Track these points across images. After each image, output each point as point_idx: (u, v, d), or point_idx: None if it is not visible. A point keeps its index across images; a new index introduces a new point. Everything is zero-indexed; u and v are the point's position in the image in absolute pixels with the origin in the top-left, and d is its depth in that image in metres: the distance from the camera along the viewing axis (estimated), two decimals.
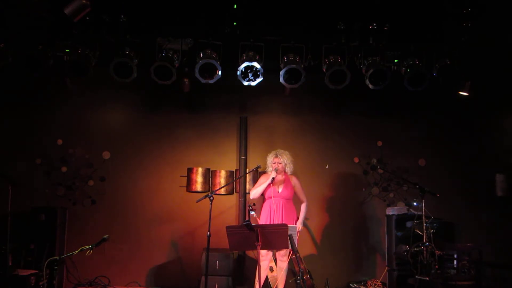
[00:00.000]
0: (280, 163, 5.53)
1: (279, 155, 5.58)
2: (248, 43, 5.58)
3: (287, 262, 5.43)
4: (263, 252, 5.34)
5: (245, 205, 6.40)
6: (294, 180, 5.67)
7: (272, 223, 5.37)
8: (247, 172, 6.43)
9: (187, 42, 5.64)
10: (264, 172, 5.77)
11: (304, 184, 6.53)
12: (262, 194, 5.58)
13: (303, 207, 5.70)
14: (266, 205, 5.56)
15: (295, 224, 5.51)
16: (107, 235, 4.98)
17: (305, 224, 6.59)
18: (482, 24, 5.26)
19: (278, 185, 5.56)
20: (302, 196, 5.71)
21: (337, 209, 6.75)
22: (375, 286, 6.33)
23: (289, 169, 5.64)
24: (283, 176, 5.60)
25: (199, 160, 6.66)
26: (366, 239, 6.70)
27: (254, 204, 5.49)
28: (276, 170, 5.47)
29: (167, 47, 5.59)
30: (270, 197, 5.50)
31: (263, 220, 5.51)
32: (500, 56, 5.89)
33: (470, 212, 6.60)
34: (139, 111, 6.78)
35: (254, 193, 5.56)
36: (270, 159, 5.61)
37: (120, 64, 5.42)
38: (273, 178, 5.42)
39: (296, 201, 5.73)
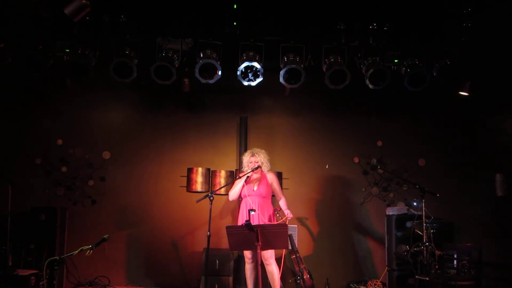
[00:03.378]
0: (257, 162, 5.37)
1: (255, 153, 5.42)
2: (248, 43, 5.58)
3: (275, 265, 5.27)
4: (248, 255, 5.29)
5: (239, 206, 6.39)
6: (270, 176, 5.47)
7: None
8: (247, 172, 6.41)
9: (187, 42, 5.63)
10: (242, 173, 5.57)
11: (304, 184, 6.56)
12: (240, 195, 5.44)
13: (282, 203, 5.43)
14: (242, 204, 5.42)
15: (276, 221, 5.30)
16: (107, 235, 4.97)
17: (305, 224, 6.61)
18: (482, 24, 5.26)
19: (253, 183, 5.42)
20: (279, 192, 5.48)
21: (337, 209, 6.75)
22: (375, 286, 6.32)
23: (265, 167, 5.45)
24: (259, 174, 5.45)
25: (199, 160, 6.65)
26: (366, 239, 6.70)
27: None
28: (253, 170, 5.31)
29: (167, 47, 5.59)
30: (245, 196, 5.35)
31: (240, 220, 5.35)
32: (500, 56, 5.89)
33: (470, 212, 6.60)
34: (139, 111, 6.78)
35: (232, 194, 5.40)
36: (246, 158, 5.45)
37: (120, 64, 5.42)
38: (247, 176, 5.27)
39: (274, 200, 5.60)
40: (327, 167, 6.78)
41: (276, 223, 5.18)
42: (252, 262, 5.34)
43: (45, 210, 6.10)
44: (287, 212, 5.29)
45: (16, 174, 5.89)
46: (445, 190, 6.28)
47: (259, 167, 5.39)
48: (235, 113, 6.77)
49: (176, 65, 5.60)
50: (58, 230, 6.11)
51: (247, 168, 5.39)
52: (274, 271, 5.24)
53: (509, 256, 6.25)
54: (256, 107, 6.83)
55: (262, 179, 5.46)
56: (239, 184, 5.36)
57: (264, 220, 5.22)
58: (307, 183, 6.68)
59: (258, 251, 4.33)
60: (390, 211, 6.36)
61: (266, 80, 5.61)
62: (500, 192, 6.67)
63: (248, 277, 5.38)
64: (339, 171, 6.80)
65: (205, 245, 4.99)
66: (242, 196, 5.40)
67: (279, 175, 6.17)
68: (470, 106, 6.55)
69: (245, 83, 5.59)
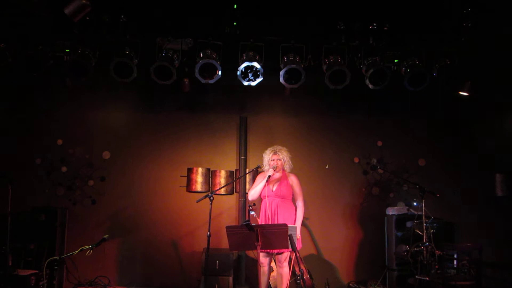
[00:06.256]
0: (280, 160, 5.25)
1: (278, 151, 5.27)
2: (248, 43, 5.58)
3: (287, 268, 5.21)
4: (262, 260, 5.15)
5: (245, 205, 6.40)
6: (292, 178, 5.32)
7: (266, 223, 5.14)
8: (247, 172, 6.43)
9: (187, 42, 5.64)
10: (262, 171, 5.52)
11: (304, 184, 6.50)
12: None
13: (298, 212, 5.25)
14: (262, 205, 5.29)
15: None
16: (107, 235, 4.99)
17: (305, 224, 6.60)
18: (482, 24, 5.26)
19: (273, 183, 5.25)
20: (298, 196, 5.30)
21: (337, 209, 6.75)
22: (375, 286, 6.33)
23: (287, 166, 5.34)
24: (280, 174, 5.32)
25: (199, 160, 6.66)
26: (366, 239, 6.69)
27: (254, 204, 5.31)
28: (275, 168, 5.18)
29: (167, 47, 5.59)
30: (264, 196, 5.22)
31: (260, 221, 5.24)
32: (500, 56, 5.89)
33: (470, 212, 6.60)
34: (139, 111, 6.78)
35: (252, 193, 5.25)
36: (268, 156, 5.30)
37: (120, 64, 5.42)
38: (269, 176, 5.13)
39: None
40: (327, 167, 6.78)
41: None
42: (265, 266, 5.22)
43: (45, 210, 6.10)
44: (297, 234, 5.17)
45: (16, 174, 5.88)
46: (445, 190, 6.29)
47: (259, 166, 5.36)
48: (235, 113, 6.77)
49: (176, 65, 5.60)
50: (58, 230, 6.11)
51: (268, 167, 5.26)
52: (285, 273, 5.20)
53: (509, 256, 6.25)
54: (256, 107, 6.83)
55: (282, 179, 5.30)
56: (260, 184, 5.21)
57: (285, 223, 4.98)
58: (307, 183, 6.67)
59: (258, 251, 4.32)
60: (390, 211, 6.36)
61: (266, 80, 5.60)
62: (500, 192, 6.67)
63: (260, 279, 5.29)
64: (339, 171, 6.80)
65: (205, 245, 4.99)
66: (262, 197, 5.26)
67: None
68: (470, 106, 6.55)
69: (245, 83, 5.59)
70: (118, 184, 6.62)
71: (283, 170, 5.36)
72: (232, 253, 6.03)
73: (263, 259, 5.16)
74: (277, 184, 5.27)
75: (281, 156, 5.28)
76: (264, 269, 5.24)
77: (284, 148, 5.39)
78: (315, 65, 5.72)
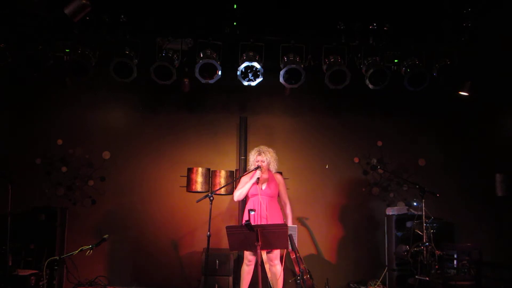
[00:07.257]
0: (263, 161, 5.26)
1: (262, 152, 5.28)
2: (248, 43, 5.58)
3: (279, 265, 5.20)
4: (249, 257, 5.17)
5: (245, 205, 6.39)
6: (278, 178, 5.36)
7: (255, 222, 5.11)
8: (246, 172, 6.41)
9: (187, 42, 5.63)
10: (247, 172, 5.49)
11: (304, 184, 6.57)
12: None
13: (288, 211, 5.35)
14: (249, 203, 5.29)
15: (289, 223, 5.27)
16: (107, 235, 4.97)
17: (305, 224, 6.61)
18: (483, 24, 5.26)
19: (261, 183, 5.24)
20: (285, 196, 5.37)
21: (337, 209, 6.75)
22: (375, 286, 6.33)
23: (273, 167, 5.35)
24: (267, 174, 5.32)
25: (199, 160, 6.66)
26: (366, 239, 6.69)
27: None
28: (261, 169, 5.18)
29: (167, 47, 5.59)
30: (253, 195, 5.23)
31: (245, 218, 5.16)
32: (500, 56, 5.89)
33: (470, 212, 6.60)
34: (139, 111, 6.78)
35: (239, 194, 5.27)
36: (253, 156, 5.32)
37: (120, 64, 5.42)
38: (258, 178, 5.13)
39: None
40: (327, 167, 6.78)
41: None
42: (252, 264, 5.21)
43: (45, 210, 6.11)
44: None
45: (16, 174, 5.89)
46: (445, 190, 6.29)
47: (259, 167, 5.36)
48: (235, 113, 6.77)
49: (176, 65, 5.60)
50: (58, 230, 6.11)
51: (253, 166, 5.28)
52: (278, 272, 5.18)
53: (509, 256, 6.25)
54: (256, 107, 6.83)
55: (270, 178, 5.33)
56: (247, 185, 5.23)
57: (272, 221, 5.05)
58: (307, 183, 6.68)
59: (258, 251, 4.32)
60: (390, 211, 6.37)
61: (266, 80, 5.60)
62: (500, 192, 6.67)
63: (244, 278, 5.30)
64: (339, 171, 6.80)
65: (205, 245, 4.99)
66: (250, 195, 5.28)
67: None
68: (470, 106, 6.55)
69: (245, 83, 5.58)
70: (118, 184, 6.62)
71: (269, 170, 5.36)
72: (232, 253, 6.03)
73: (251, 257, 5.16)
74: (265, 183, 5.29)
75: (264, 158, 5.28)
76: (249, 268, 5.22)
77: (270, 150, 5.38)
78: (315, 65, 5.72)
